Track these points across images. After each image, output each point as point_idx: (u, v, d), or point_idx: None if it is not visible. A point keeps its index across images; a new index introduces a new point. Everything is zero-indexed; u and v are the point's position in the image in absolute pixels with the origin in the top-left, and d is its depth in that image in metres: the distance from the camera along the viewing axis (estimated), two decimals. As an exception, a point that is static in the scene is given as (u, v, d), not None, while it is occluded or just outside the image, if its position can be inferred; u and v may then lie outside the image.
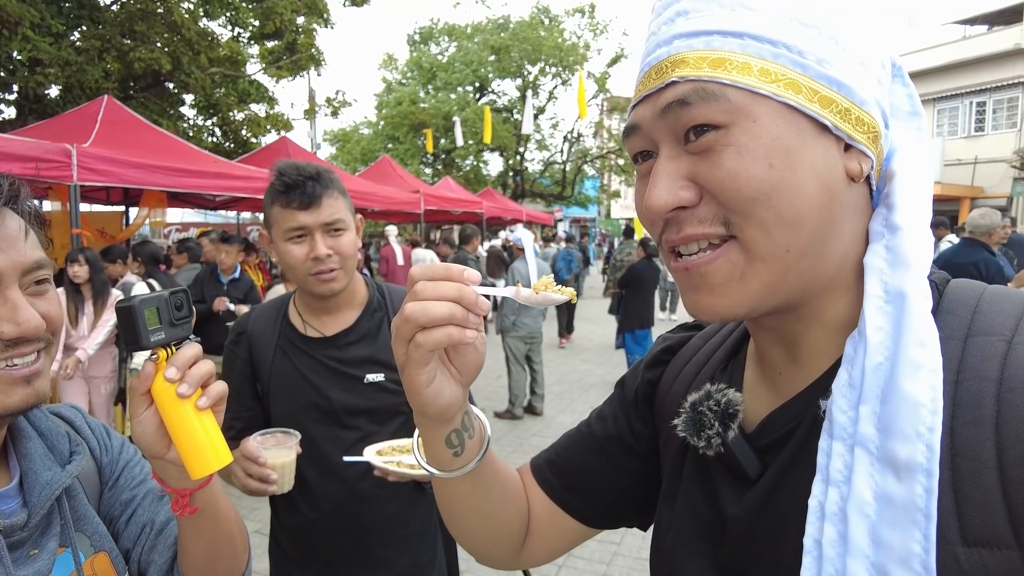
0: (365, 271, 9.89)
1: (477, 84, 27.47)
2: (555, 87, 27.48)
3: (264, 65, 14.30)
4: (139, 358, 4.77)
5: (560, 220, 31.90)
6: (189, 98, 13.46)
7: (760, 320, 0.69)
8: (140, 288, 5.36)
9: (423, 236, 14.37)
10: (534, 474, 0.95)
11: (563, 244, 16.89)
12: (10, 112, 11.01)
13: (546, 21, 26.96)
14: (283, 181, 1.60)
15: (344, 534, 1.69)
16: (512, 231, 7.39)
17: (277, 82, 14.90)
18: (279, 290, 4.79)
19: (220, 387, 0.90)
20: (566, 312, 12.05)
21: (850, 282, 0.66)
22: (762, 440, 0.69)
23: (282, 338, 1.75)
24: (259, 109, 14.78)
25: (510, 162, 27.55)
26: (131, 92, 11.67)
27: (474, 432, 0.79)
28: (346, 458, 1.63)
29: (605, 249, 25.36)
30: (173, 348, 0.89)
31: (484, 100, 27.41)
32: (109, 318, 4.91)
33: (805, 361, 0.68)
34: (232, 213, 13.29)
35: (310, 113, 16.38)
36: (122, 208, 10.45)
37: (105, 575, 0.96)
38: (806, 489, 0.60)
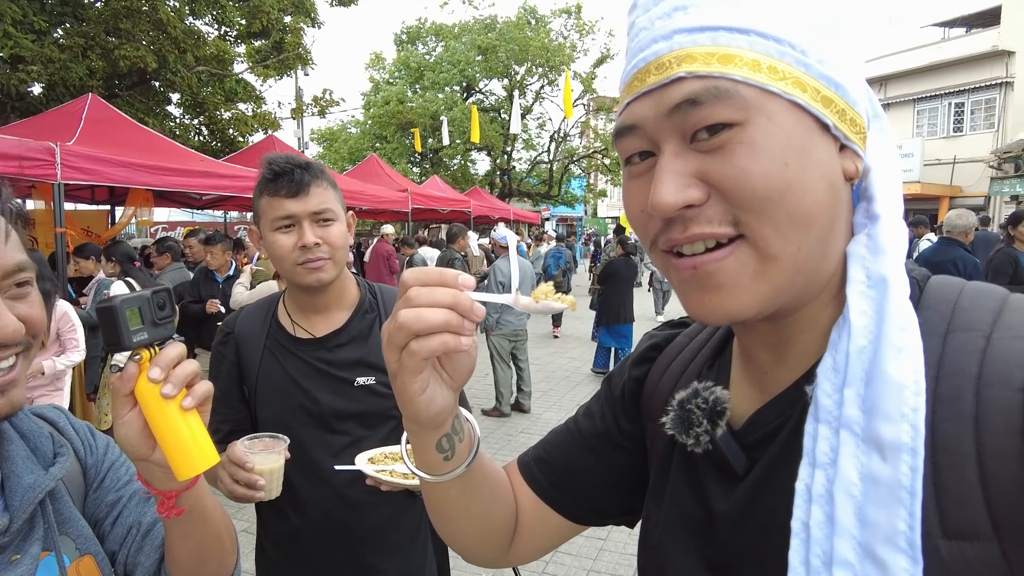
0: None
1: (464, 84, 27.47)
2: (542, 87, 27.56)
3: (251, 64, 14.24)
4: (121, 355, 4.60)
5: (547, 219, 31.95)
6: (175, 97, 13.38)
7: (753, 327, 0.69)
8: (119, 287, 5.29)
9: (411, 235, 14.38)
10: (521, 472, 0.94)
11: (552, 243, 16.94)
12: (-8, 110, 10.91)
13: (533, 22, 27.00)
14: (272, 170, 1.57)
15: (333, 541, 1.64)
16: (496, 230, 7.38)
17: (264, 81, 14.85)
18: (272, 286, 4.74)
19: (205, 387, 0.88)
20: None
21: (839, 280, 0.66)
22: (750, 437, 0.69)
23: (271, 339, 1.70)
24: (246, 108, 14.71)
25: (497, 161, 27.57)
26: (116, 90, 11.58)
27: (464, 435, 0.77)
28: (338, 467, 1.58)
29: (591, 248, 25.43)
30: (156, 348, 0.87)
31: (471, 100, 27.41)
32: (59, 330, 4.46)
33: (791, 360, 0.68)
34: (219, 212, 13.25)
35: (297, 112, 16.34)
36: (108, 207, 10.39)
37: None
38: (791, 487, 0.60)
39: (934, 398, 0.55)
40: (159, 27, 10.71)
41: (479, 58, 26.27)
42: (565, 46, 26.41)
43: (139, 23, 10.58)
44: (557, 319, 12.84)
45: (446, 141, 21.68)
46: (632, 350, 0.97)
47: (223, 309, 5.56)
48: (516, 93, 22.89)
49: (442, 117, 22.47)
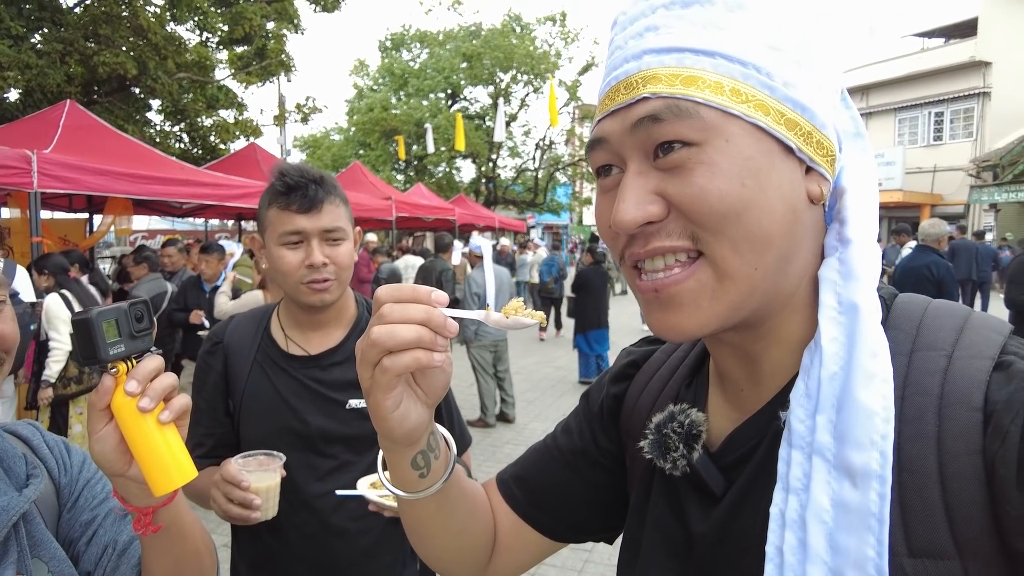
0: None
1: (449, 91, 27.48)
2: (527, 95, 27.64)
3: (233, 70, 14.13)
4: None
5: (533, 227, 31.98)
6: (156, 103, 13.23)
7: (720, 338, 0.70)
8: (54, 302, 4.96)
9: (394, 243, 14.30)
10: (500, 490, 0.94)
11: (539, 250, 16.92)
12: (-33, 116, 10.71)
13: (518, 29, 27.11)
14: (284, 182, 1.51)
15: (311, 568, 1.58)
16: (472, 238, 7.34)
17: (246, 88, 14.72)
18: (257, 296, 4.60)
19: (183, 400, 0.87)
20: (554, 310, 13.34)
21: (807, 299, 0.67)
22: (727, 457, 0.70)
23: (261, 353, 1.64)
24: (228, 115, 14.58)
25: (483, 169, 27.57)
26: (95, 97, 11.43)
27: (440, 452, 0.77)
28: (339, 492, 1.52)
29: (578, 255, 25.49)
30: (134, 361, 0.86)
31: (456, 107, 27.42)
32: None
33: (764, 378, 0.69)
34: (200, 220, 13.09)
35: (280, 119, 16.21)
36: (86, 215, 10.22)
37: None
38: (768, 505, 0.61)
39: (900, 418, 0.56)
40: (139, 33, 10.58)
41: (464, 65, 26.30)
42: (550, 54, 26.54)
43: (119, 29, 10.45)
44: (559, 320, 13.43)
45: (431, 149, 21.67)
46: (610, 364, 0.98)
47: (207, 322, 5.47)
48: (501, 101, 22.92)
49: (426, 124, 22.44)
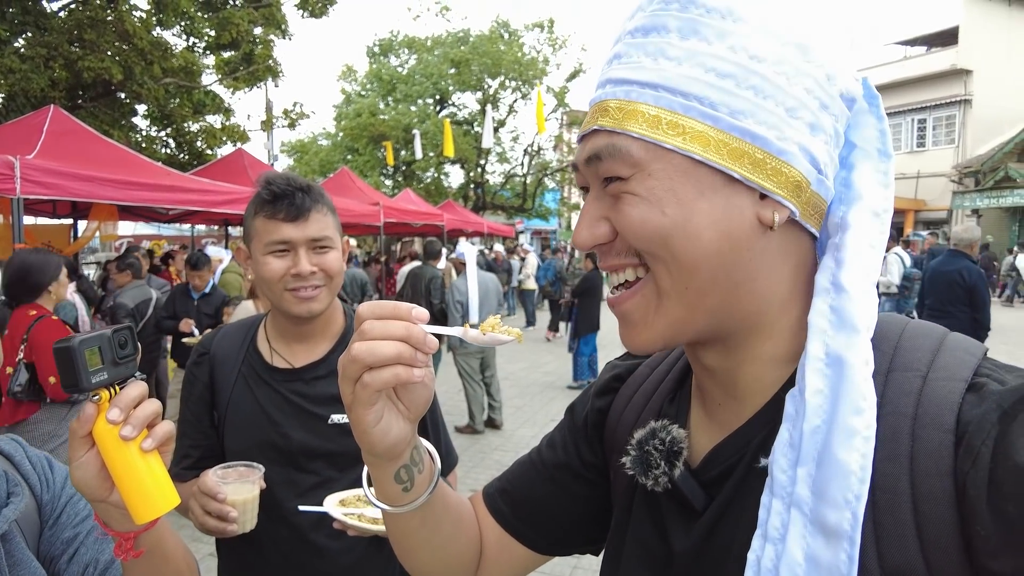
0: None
1: (437, 96, 27.49)
2: (515, 100, 27.71)
3: (220, 76, 14.07)
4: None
5: (521, 232, 32.01)
6: (142, 108, 13.15)
7: (696, 355, 0.72)
8: None
9: (382, 249, 14.26)
10: (486, 503, 0.95)
11: (529, 255, 16.94)
12: (-51, 121, 10.58)
13: (506, 35, 27.19)
14: (271, 190, 1.49)
15: None
16: (457, 245, 7.32)
17: (233, 93, 14.69)
18: (248, 308, 4.56)
19: (166, 428, 0.86)
20: (555, 312, 13.86)
21: (781, 323, 0.67)
22: (707, 474, 0.71)
23: (246, 364, 1.62)
24: (215, 120, 14.52)
25: (471, 174, 27.59)
26: (80, 102, 11.34)
27: (424, 467, 0.78)
28: (302, 508, 1.49)
29: (566, 260, 25.54)
30: (116, 387, 0.85)
31: (444, 112, 27.44)
32: None
33: (741, 395, 0.70)
34: (186, 226, 13.01)
35: (267, 124, 16.18)
36: (70, 221, 10.12)
37: None
38: (747, 521, 0.63)
39: (875, 437, 0.57)
40: (125, 38, 10.53)
41: (452, 71, 26.34)
42: (538, 60, 26.62)
43: (104, 33, 10.38)
44: (554, 322, 13.88)
45: (419, 154, 21.64)
46: (596, 378, 1.01)
47: (196, 331, 5.43)
48: (489, 107, 22.95)
49: (415, 130, 22.42)
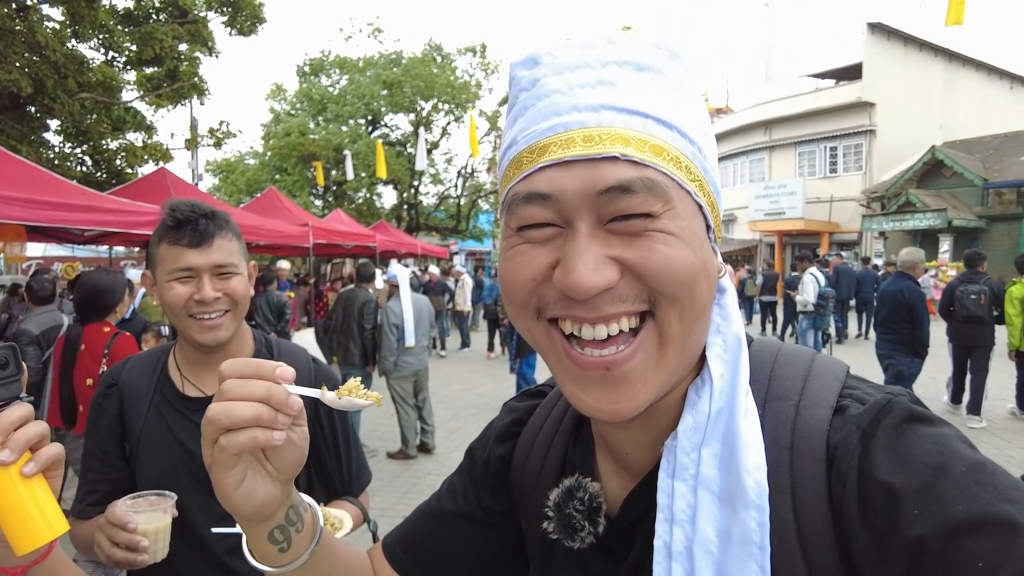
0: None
1: (369, 117, 27.30)
2: (448, 123, 27.82)
3: (142, 92, 13.57)
4: None
5: (456, 253, 32.00)
6: (54, 124, 12.49)
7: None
8: None
9: (311, 271, 13.96)
10: (385, 554, 0.93)
11: (462, 277, 16.92)
12: None
13: (438, 59, 27.34)
14: (174, 217, 1.49)
15: None
16: (389, 267, 7.22)
17: (156, 110, 14.17)
18: (307, 337, 4.27)
19: (52, 451, 0.82)
20: (492, 331, 14.15)
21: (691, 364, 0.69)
22: (626, 520, 0.72)
23: (158, 394, 1.60)
24: (135, 138, 13.95)
25: (404, 195, 27.44)
26: (-16, 115, 10.70)
27: (303, 525, 0.75)
28: (215, 530, 1.49)
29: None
30: None
31: (377, 133, 27.25)
32: None
33: (645, 437, 0.70)
34: (103, 248, 12.36)
35: (192, 143, 15.66)
36: (-30, 242, 9.45)
37: None
38: None
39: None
40: (35, 49, 10.02)
41: (384, 92, 26.23)
42: (471, 84, 26.86)
43: (12, 44, 9.85)
44: (491, 342, 14.18)
45: (350, 175, 21.38)
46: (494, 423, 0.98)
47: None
48: (422, 130, 22.94)
49: (345, 151, 22.15)
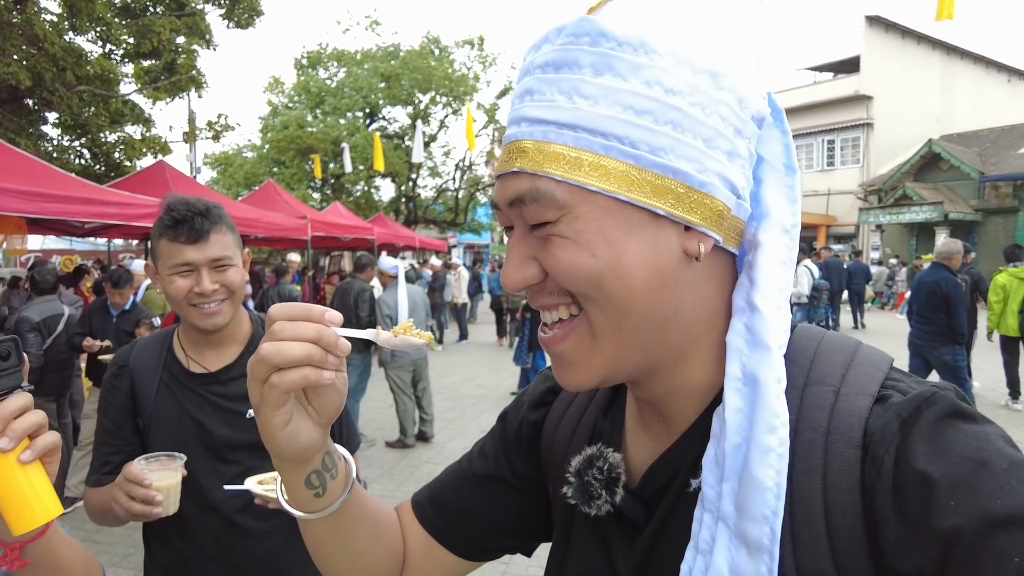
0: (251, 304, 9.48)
1: (367, 110, 27.26)
2: (446, 116, 27.79)
3: (140, 85, 13.57)
4: None
5: (454, 247, 32.02)
6: (52, 116, 12.51)
7: (631, 382, 0.73)
8: None
9: (310, 264, 14.00)
10: (415, 511, 0.95)
11: (459, 270, 16.98)
12: None
13: (436, 51, 27.26)
14: (172, 216, 1.61)
15: (221, 567, 1.68)
16: (381, 258, 7.29)
17: (154, 103, 14.18)
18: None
19: (49, 439, 0.87)
20: (500, 321, 14.46)
21: (707, 343, 0.68)
22: (646, 490, 0.72)
23: (166, 372, 1.75)
24: (134, 131, 13.97)
25: (402, 188, 27.45)
26: (-18, 108, 10.72)
27: (338, 473, 0.77)
28: (227, 487, 1.63)
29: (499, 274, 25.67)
30: None
31: (374, 126, 27.22)
32: None
33: (673, 417, 0.72)
34: (102, 240, 12.40)
35: (190, 136, 15.69)
36: (-30, 234, 9.49)
37: None
38: (684, 537, 0.65)
39: (793, 452, 0.60)
40: (33, 42, 10.03)
41: (382, 85, 26.19)
42: (468, 77, 26.82)
43: (10, 37, 9.87)
44: (502, 329, 14.48)
45: (348, 168, 21.38)
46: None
47: (102, 344, 5.25)
48: (419, 122, 22.95)
49: (343, 144, 22.14)
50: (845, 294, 16.15)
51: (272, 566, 1.71)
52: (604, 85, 0.61)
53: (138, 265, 7.49)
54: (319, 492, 0.75)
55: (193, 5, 13.30)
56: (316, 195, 26.43)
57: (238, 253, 1.73)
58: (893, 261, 22.15)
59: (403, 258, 12.92)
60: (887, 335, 14.00)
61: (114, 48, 12.98)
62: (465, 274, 16.66)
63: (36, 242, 15.40)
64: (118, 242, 13.53)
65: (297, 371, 0.64)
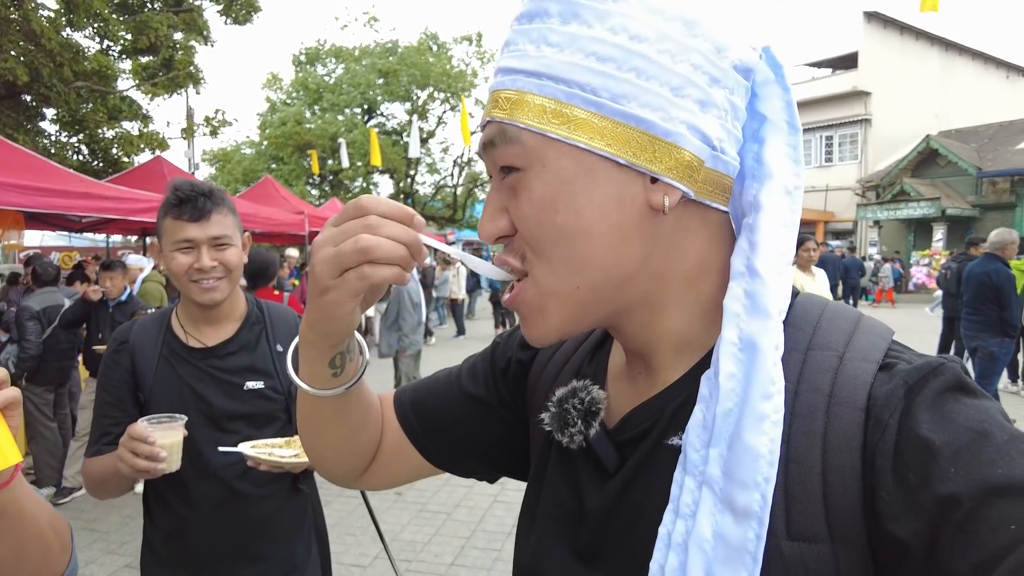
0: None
1: (365, 106, 27.26)
2: (444, 112, 27.80)
3: (137, 81, 13.59)
4: None
5: (453, 243, 32.02)
6: (50, 112, 12.53)
7: (608, 328, 0.73)
8: None
9: (308, 260, 14.02)
10: (396, 411, 0.96)
11: (458, 266, 16.98)
12: None
13: (434, 47, 27.28)
14: (177, 195, 1.71)
15: (221, 531, 1.77)
16: None
17: (152, 99, 14.20)
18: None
19: (9, 394, 0.89)
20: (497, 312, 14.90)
21: (687, 298, 0.68)
22: (622, 435, 0.72)
23: (165, 347, 1.84)
24: (132, 127, 13.99)
25: (400, 185, 27.46)
26: (-20, 104, 10.73)
27: (354, 356, 0.80)
28: (221, 448, 1.74)
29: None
30: None
31: (373, 122, 27.22)
32: None
33: (657, 368, 0.72)
34: (100, 236, 12.43)
35: (188, 132, 15.69)
36: (-31, 230, 9.51)
37: None
38: (659, 485, 0.65)
39: (792, 412, 0.60)
40: (31, 38, 10.05)
41: (380, 81, 26.19)
42: (466, 73, 26.82)
43: (8, 32, 9.89)
44: (505, 320, 14.81)
45: (345, 164, 21.39)
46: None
47: (103, 292, 5.45)
48: (415, 117, 22.93)
49: (340, 140, 22.14)
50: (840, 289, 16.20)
51: (267, 529, 1.81)
52: (569, 33, 0.62)
53: (135, 259, 7.52)
54: (337, 372, 0.78)
55: (191, 1, 13.31)
56: (314, 191, 26.45)
57: (238, 235, 1.81)
58: (878, 257, 22.27)
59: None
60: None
61: (112, 44, 13.00)
62: (464, 270, 16.67)
63: (35, 238, 15.43)
64: (116, 238, 13.54)
65: (390, 268, 0.64)
